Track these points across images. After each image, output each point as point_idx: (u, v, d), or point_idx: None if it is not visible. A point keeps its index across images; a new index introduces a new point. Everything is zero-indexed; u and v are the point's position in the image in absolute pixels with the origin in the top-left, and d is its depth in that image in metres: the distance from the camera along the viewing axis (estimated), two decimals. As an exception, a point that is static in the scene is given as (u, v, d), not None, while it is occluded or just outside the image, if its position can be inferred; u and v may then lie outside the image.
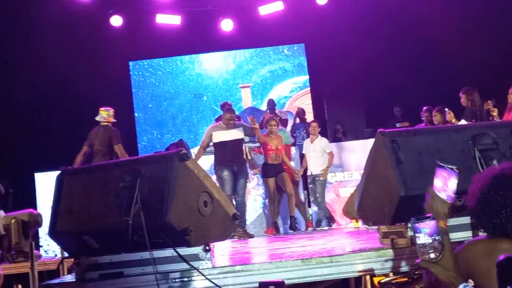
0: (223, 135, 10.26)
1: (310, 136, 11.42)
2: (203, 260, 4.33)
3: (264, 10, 14.68)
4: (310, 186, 11.26)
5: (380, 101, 14.22)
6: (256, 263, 4.53)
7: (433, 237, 2.85)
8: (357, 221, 9.22)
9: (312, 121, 11.76)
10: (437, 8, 13.30)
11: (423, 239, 2.86)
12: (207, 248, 4.35)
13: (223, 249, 6.80)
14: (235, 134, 10.31)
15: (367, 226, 7.41)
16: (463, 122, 9.32)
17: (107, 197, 4.48)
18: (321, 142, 11.31)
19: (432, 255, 2.83)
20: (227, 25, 14.85)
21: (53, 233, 4.72)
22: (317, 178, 11.10)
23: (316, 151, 11.18)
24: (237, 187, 10.13)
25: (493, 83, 11.84)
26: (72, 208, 4.67)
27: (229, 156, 10.17)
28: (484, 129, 4.48)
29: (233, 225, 4.80)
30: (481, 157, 4.32)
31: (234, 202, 9.92)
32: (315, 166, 11.17)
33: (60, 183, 4.78)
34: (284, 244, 7.23)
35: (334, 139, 13.53)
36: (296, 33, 15.43)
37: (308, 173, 11.27)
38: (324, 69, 15.41)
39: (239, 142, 10.39)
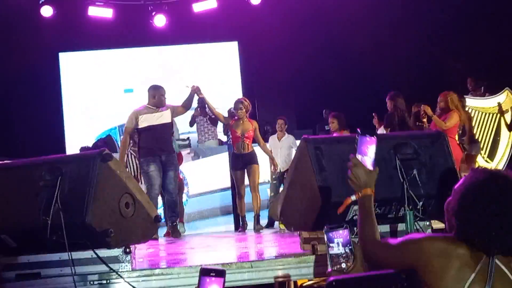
0: (150, 119, 8.98)
1: (277, 132, 11.29)
2: (123, 262, 4.29)
3: (198, 7, 14.68)
4: (274, 182, 11.02)
5: (310, 102, 14.36)
6: (177, 266, 4.51)
7: (346, 247, 2.87)
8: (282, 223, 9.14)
9: (279, 118, 11.52)
10: (368, 7, 13.49)
11: (336, 249, 2.87)
12: (127, 250, 4.31)
13: (147, 249, 6.74)
14: (164, 116, 9.08)
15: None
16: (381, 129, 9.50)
17: (27, 196, 4.37)
18: (289, 139, 11.20)
19: (344, 265, 2.85)
20: (160, 20, 14.77)
21: (-31, 231, 4.59)
22: (285, 176, 10.22)
23: (284, 148, 11.06)
24: (165, 181, 8.92)
25: (423, 87, 12.16)
26: (-11, 206, 4.55)
27: (157, 144, 8.92)
28: (406, 139, 4.55)
29: (154, 227, 4.77)
30: (402, 166, 4.39)
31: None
32: (282, 163, 10.92)
33: (-22, 180, 4.65)
34: (212, 245, 7.22)
35: (264, 140, 13.54)
36: (230, 31, 15.46)
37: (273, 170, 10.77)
38: (256, 69, 15.48)
39: (167, 127, 9.14)
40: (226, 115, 11.02)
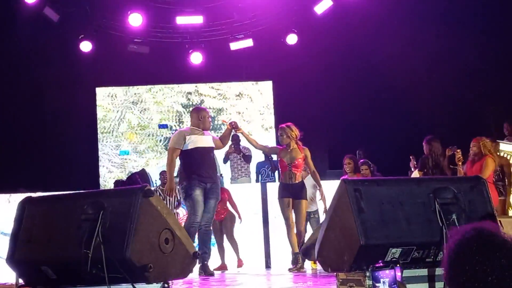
0: (199, 140, 8.41)
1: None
2: (161, 297, 4.34)
3: (235, 46, 14.87)
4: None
5: (343, 143, 14.38)
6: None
7: (392, 286, 2.89)
8: (314, 263, 8.93)
9: None
10: (402, 48, 13.55)
11: None
12: (166, 286, 4.35)
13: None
14: (210, 140, 8.57)
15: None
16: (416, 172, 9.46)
17: (69, 229, 4.46)
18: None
19: None
20: (196, 57, 14.95)
21: (11, 261, 4.68)
22: (312, 216, 10.11)
23: (309, 187, 9.66)
24: (204, 209, 8.29)
25: (458, 130, 12.14)
26: (32, 237, 4.64)
27: (205, 169, 8.31)
28: (446, 183, 4.57)
29: (192, 264, 4.81)
30: (441, 210, 4.39)
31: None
32: (308, 203, 9.77)
33: (21, 211, 4.75)
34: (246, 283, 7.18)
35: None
36: (265, 70, 15.60)
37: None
38: (289, 108, 15.55)
39: (213, 152, 8.68)
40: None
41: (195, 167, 8.29)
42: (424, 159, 9.63)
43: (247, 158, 12.63)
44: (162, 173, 11.43)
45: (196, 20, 14.57)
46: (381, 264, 2.95)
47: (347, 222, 4.46)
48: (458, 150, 9.32)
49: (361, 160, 10.81)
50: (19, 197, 6.17)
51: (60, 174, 13.97)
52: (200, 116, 8.56)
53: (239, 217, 10.18)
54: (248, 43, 14.77)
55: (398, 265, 2.94)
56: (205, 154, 8.39)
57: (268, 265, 10.66)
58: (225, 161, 12.59)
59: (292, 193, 8.83)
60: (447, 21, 13.35)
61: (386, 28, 13.50)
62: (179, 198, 10.93)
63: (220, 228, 9.97)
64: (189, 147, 8.32)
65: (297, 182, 8.89)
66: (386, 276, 2.90)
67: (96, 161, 15.70)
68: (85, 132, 15.57)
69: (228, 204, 10.00)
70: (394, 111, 14.01)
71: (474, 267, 2.38)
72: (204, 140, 8.44)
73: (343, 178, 4.58)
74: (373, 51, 13.96)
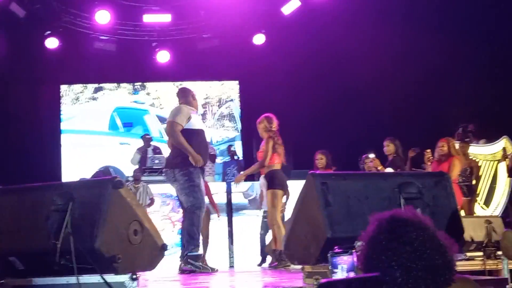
0: (200, 121, 7.74)
1: None
2: (129, 288, 4.35)
3: (202, 45, 14.88)
4: (264, 220, 10.52)
5: (308, 143, 14.45)
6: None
7: (349, 273, 2.94)
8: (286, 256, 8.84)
9: None
10: (369, 48, 13.66)
11: (340, 274, 2.95)
12: (134, 277, 4.37)
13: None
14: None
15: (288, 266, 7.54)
16: (390, 170, 9.56)
17: (37, 219, 4.46)
18: None
19: None
20: (163, 56, 14.93)
21: (-22, 252, 4.67)
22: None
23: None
24: None
25: (417, 132, 12.31)
26: (0, 228, 4.63)
27: (205, 153, 7.52)
28: (411, 178, 4.67)
29: (160, 256, 4.84)
30: (406, 205, 4.49)
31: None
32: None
33: (-11, 202, 4.75)
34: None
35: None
36: (232, 69, 15.65)
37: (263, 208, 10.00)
38: (255, 108, 15.59)
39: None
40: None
41: (202, 151, 7.40)
42: (398, 159, 9.76)
43: (212, 157, 12.65)
44: (136, 170, 11.46)
45: (164, 18, 14.54)
46: (339, 250, 2.98)
47: (314, 215, 4.54)
48: (428, 150, 9.43)
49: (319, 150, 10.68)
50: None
51: (21, 171, 13.81)
52: (193, 95, 7.85)
53: (217, 212, 10.15)
54: (215, 42, 14.78)
55: (351, 252, 2.98)
56: (204, 136, 7.63)
57: (231, 264, 10.73)
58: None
59: None
60: (413, 21, 13.47)
61: (353, 29, 13.59)
62: (151, 195, 10.95)
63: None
64: (192, 127, 7.43)
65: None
66: (344, 262, 2.94)
67: (58, 158, 15.59)
68: (49, 129, 15.46)
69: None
70: (360, 111, 14.13)
71: (383, 263, 2.38)
72: (201, 121, 7.88)
73: (311, 172, 4.65)
74: (340, 51, 14.04)
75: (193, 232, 7.12)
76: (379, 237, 2.42)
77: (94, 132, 16.00)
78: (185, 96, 7.78)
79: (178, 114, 7.40)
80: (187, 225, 7.16)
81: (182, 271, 7.09)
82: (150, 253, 4.69)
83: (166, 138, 8.29)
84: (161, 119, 15.69)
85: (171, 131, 7.38)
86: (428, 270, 2.34)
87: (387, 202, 4.54)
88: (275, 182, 8.39)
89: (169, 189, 10.25)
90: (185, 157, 7.20)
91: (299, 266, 8.57)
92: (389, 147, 9.89)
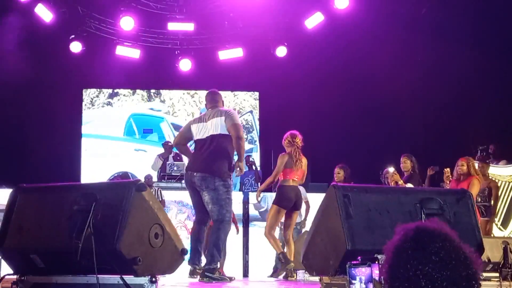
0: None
1: None
2: (148, 290, 4.38)
3: (224, 55, 14.95)
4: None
5: (326, 156, 14.46)
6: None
7: (368, 285, 2.94)
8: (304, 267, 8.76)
9: None
10: (391, 65, 13.64)
11: (358, 286, 2.95)
12: (153, 279, 4.40)
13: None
14: None
15: (303, 278, 7.54)
16: (410, 185, 9.54)
17: (60, 219, 4.51)
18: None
19: None
20: (185, 64, 15.01)
21: (0, 249, 4.71)
22: (298, 227, 10.31)
23: None
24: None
25: (436, 149, 12.29)
26: (23, 225, 4.68)
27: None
28: (432, 194, 4.68)
29: (180, 260, 4.86)
30: (427, 220, 4.49)
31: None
32: None
33: (13, 199, 4.79)
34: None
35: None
36: (252, 80, 15.70)
37: None
38: (274, 120, 15.63)
39: None
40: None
41: (231, 159, 6.95)
42: (416, 175, 9.73)
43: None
44: (147, 176, 11.45)
45: (188, 27, 14.61)
46: (358, 261, 2.99)
47: (335, 227, 4.55)
48: (447, 169, 9.42)
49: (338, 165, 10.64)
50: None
51: (42, 174, 13.89)
52: (223, 100, 7.44)
53: (236, 227, 10.17)
54: (237, 52, 14.84)
55: (376, 262, 2.98)
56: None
57: (246, 274, 10.73)
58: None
59: None
60: (439, 35, 13.43)
61: (376, 44, 13.61)
62: (162, 198, 10.97)
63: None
64: (228, 133, 6.95)
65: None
66: (362, 273, 2.94)
67: (78, 162, 15.68)
68: (70, 133, 15.57)
69: None
70: (381, 127, 14.12)
71: (408, 272, 2.36)
72: None
73: (333, 184, 4.67)
74: (363, 66, 14.07)
75: (219, 247, 6.80)
76: (404, 246, 2.42)
77: (110, 137, 16.07)
78: (221, 99, 7.37)
79: (237, 118, 7.01)
80: (215, 238, 6.81)
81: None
82: (170, 256, 4.72)
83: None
84: (176, 127, 15.72)
85: (241, 134, 6.88)
86: (453, 281, 2.34)
87: (408, 216, 4.54)
88: (277, 198, 8.57)
89: (185, 197, 10.29)
90: (229, 167, 6.84)
91: (317, 278, 8.64)
92: (406, 164, 9.85)
